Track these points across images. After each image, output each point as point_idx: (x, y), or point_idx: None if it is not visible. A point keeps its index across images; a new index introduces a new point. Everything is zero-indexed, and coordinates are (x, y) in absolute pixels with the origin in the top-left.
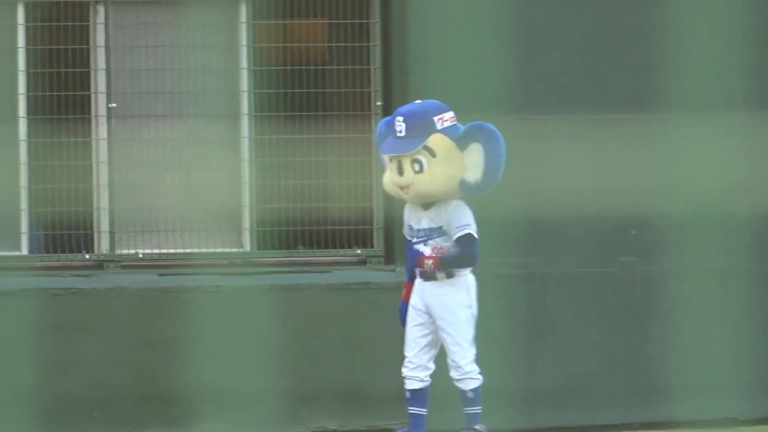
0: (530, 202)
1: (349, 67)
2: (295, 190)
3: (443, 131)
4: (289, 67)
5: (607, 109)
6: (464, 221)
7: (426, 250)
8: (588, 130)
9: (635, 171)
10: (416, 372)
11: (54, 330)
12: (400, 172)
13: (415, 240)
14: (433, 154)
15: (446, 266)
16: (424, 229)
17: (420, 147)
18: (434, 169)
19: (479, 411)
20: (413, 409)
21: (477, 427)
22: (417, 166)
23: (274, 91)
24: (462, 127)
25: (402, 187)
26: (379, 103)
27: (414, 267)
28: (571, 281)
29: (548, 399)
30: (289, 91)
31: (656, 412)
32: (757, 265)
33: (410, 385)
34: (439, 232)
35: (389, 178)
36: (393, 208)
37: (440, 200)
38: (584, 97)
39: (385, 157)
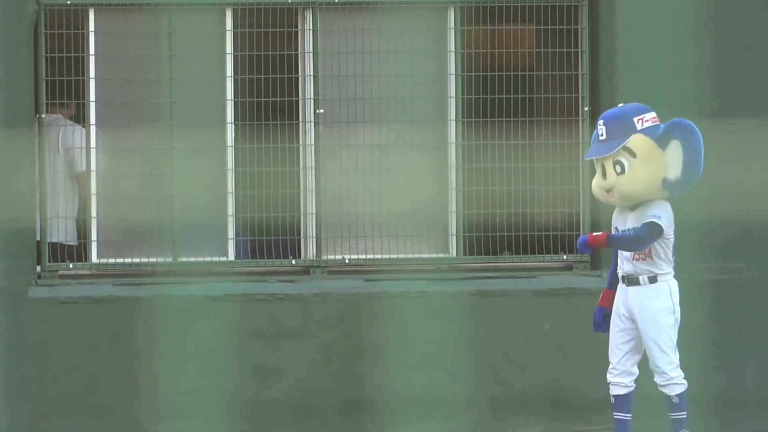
0: (737, 206)
1: (557, 72)
2: (502, 195)
3: (644, 131)
4: (496, 73)
5: None
6: (656, 212)
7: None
8: None
9: None
10: (621, 378)
11: (260, 336)
12: (604, 175)
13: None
14: (633, 154)
15: (611, 242)
16: (630, 230)
17: (619, 148)
18: (635, 169)
19: (684, 416)
20: (618, 415)
21: None
22: (618, 168)
23: (481, 96)
24: (663, 126)
25: (607, 191)
26: (586, 109)
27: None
28: None
29: (754, 405)
30: (497, 96)
31: None
32: None
33: (615, 390)
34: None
35: (596, 183)
36: (599, 213)
37: (646, 200)
38: None
39: (596, 163)
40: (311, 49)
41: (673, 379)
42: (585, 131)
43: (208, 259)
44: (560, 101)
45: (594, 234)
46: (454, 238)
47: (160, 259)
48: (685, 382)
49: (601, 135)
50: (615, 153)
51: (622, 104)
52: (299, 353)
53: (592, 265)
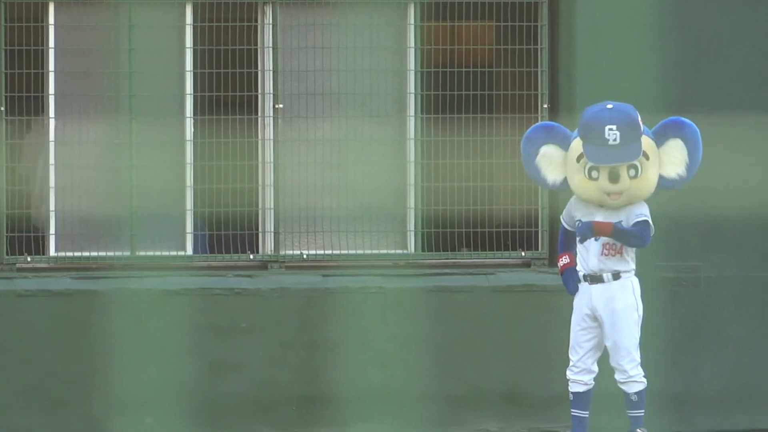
0: (696, 203)
1: (516, 69)
2: (460, 191)
3: (644, 132)
4: (455, 69)
5: None
6: (643, 212)
7: (596, 246)
8: (755, 132)
9: None
10: (581, 375)
11: (217, 330)
12: (613, 179)
13: (580, 224)
14: (647, 157)
15: (615, 233)
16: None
17: (642, 152)
18: (648, 172)
19: (642, 414)
20: (576, 412)
21: (640, 430)
22: (633, 172)
23: (440, 92)
24: (656, 126)
25: (612, 194)
26: (545, 106)
27: (574, 240)
28: (737, 285)
29: (711, 403)
30: (456, 92)
31: None
32: None
33: (574, 388)
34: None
35: (594, 187)
36: (558, 209)
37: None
38: (751, 100)
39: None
40: (271, 44)
41: (633, 377)
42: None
43: (166, 253)
44: (519, 98)
45: (600, 222)
46: (413, 234)
47: (118, 253)
48: (644, 380)
49: (614, 140)
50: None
51: (610, 105)
52: (256, 348)
53: (551, 262)
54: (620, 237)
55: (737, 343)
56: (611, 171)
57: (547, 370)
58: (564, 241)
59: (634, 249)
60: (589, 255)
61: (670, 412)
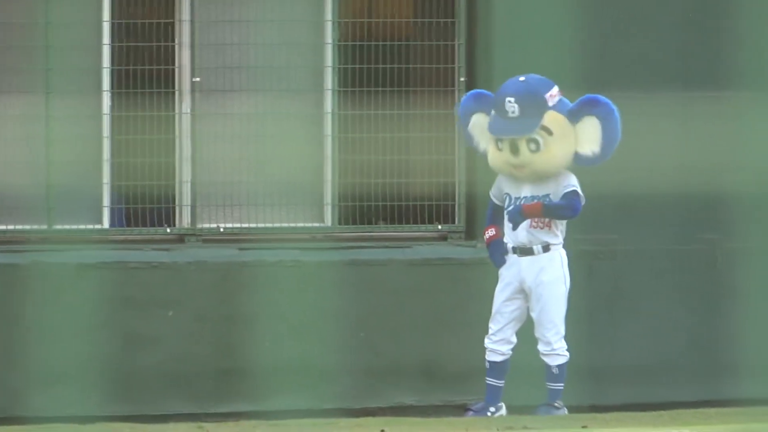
0: (614, 178)
1: (434, 42)
2: (377, 165)
3: (554, 107)
4: (373, 43)
5: (691, 86)
6: (571, 182)
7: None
8: (672, 107)
9: (720, 148)
10: (499, 345)
11: (133, 303)
12: (514, 152)
13: (512, 209)
14: (549, 132)
15: (546, 212)
16: (526, 197)
17: (538, 128)
18: (552, 148)
19: (561, 388)
20: (491, 381)
21: (556, 404)
22: (533, 146)
23: (358, 66)
24: (567, 101)
25: (516, 167)
26: (462, 79)
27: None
28: (653, 258)
29: (627, 376)
30: (373, 66)
31: (736, 389)
32: None
33: (492, 357)
34: (543, 200)
35: (500, 158)
36: (475, 183)
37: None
38: (669, 75)
39: (489, 136)
40: (188, 18)
41: (556, 350)
42: (461, 101)
43: (83, 226)
44: (436, 71)
45: (528, 204)
46: (329, 207)
47: (35, 227)
48: (567, 354)
49: (512, 112)
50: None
51: (522, 78)
52: (173, 321)
53: (467, 235)
54: (552, 213)
55: (653, 317)
56: (512, 143)
57: (463, 344)
58: (491, 215)
59: (563, 221)
60: (518, 229)
61: (587, 384)
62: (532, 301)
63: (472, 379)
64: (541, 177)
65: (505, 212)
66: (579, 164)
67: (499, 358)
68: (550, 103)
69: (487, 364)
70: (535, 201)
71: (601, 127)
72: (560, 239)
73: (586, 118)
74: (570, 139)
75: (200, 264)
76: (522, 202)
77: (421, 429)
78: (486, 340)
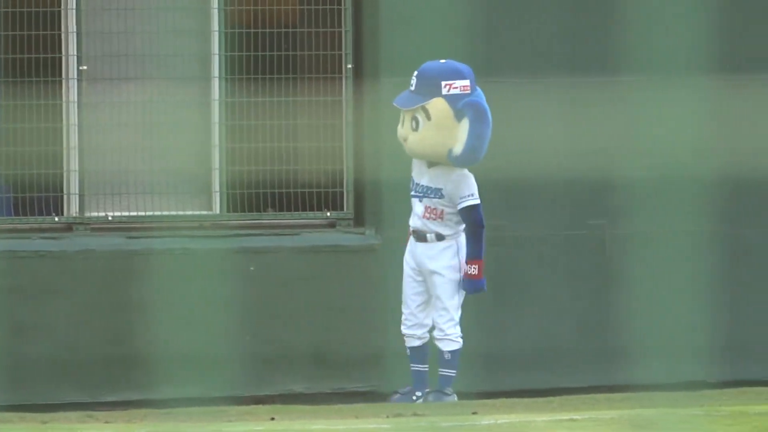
0: (501, 164)
1: (321, 29)
2: (265, 152)
3: (447, 97)
4: (260, 30)
5: (578, 71)
6: (468, 191)
7: (420, 207)
8: (559, 92)
9: (605, 133)
10: (414, 330)
11: (21, 293)
12: (402, 124)
13: (413, 193)
14: (428, 116)
15: (478, 255)
16: (423, 186)
17: (418, 105)
18: (425, 132)
19: (453, 374)
20: (415, 366)
21: (447, 390)
22: (414, 124)
23: (245, 53)
24: (470, 99)
25: (401, 139)
26: (349, 66)
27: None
28: (541, 244)
29: (517, 362)
30: (260, 53)
31: (625, 374)
32: (724, 227)
33: (410, 342)
34: (435, 192)
35: (399, 128)
36: (363, 171)
37: (443, 163)
38: (556, 60)
39: None
40: (74, 6)
41: (448, 336)
42: (348, 88)
43: None
44: (324, 58)
45: (471, 274)
46: (218, 195)
47: None
48: (460, 340)
49: (411, 86)
50: (414, 110)
51: (444, 60)
52: (62, 310)
53: (356, 222)
54: (479, 249)
55: (542, 302)
56: (403, 116)
57: (353, 331)
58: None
59: (457, 214)
60: (414, 214)
61: (477, 371)
62: (428, 286)
63: (362, 366)
64: (417, 156)
65: (411, 196)
66: (450, 161)
67: (417, 343)
68: (444, 91)
69: (407, 351)
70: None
71: (468, 130)
72: (455, 230)
73: (463, 119)
74: (447, 133)
75: (89, 253)
76: (416, 193)
77: (310, 416)
78: (401, 327)
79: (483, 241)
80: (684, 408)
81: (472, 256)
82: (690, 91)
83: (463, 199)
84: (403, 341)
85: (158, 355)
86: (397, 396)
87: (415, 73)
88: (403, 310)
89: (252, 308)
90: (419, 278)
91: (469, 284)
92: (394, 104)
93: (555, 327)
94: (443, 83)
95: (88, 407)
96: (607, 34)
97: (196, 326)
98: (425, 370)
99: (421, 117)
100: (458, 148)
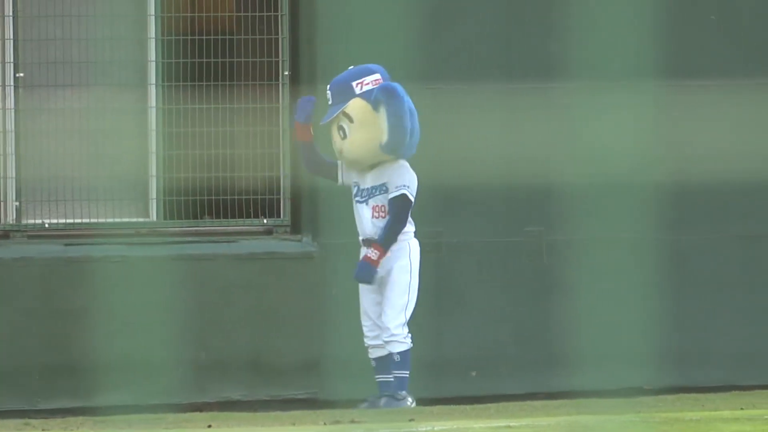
0: (438, 171)
1: (258, 36)
2: (203, 159)
3: (361, 95)
4: (197, 37)
5: (514, 78)
6: (402, 182)
7: (367, 210)
8: (496, 99)
9: (543, 140)
10: (377, 340)
11: None
12: (334, 138)
13: (358, 199)
14: (351, 119)
15: (386, 246)
16: (368, 189)
17: (337, 113)
18: (353, 135)
19: (406, 375)
20: (380, 377)
21: (399, 395)
22: (342, 133)
23: (181, 60)
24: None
25: (338, 153)
26: (286, 73)
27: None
28: (479, 251)
29: (455, 368)
30: (197, 60)
31: (563, 381)
32: (664, 234)
33: (375, 353)
34: (380, 189)
35: (333, 145)
36: (300, 178)
37: (382, 160)
38: (492, 68)
39: None
40: (11, 13)
41: (395, 337)
42: (285, 95)
43: None
44: (261, 65)
45: (369, 256)
46: (155, 202)
47: None
48: (408, 341)
49: (329, 100)
50: (336, 118)
51: (352, 66)
52: None
53: (293, 229)
54: (390, 240)
55: (479, 309)
56: (333, 130)
57: (290, 338)
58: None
59: (408, 211)
60: (362, 220)
61: (414, 377)
62: (380, 287)
63: (300, 373)
64: (357, 164)
65: (354, 201)
66: (386, 154)
67: (382, 353)
68: (357, 90)
69: (373, 363)
70: (373, 243)
71: (386, 113)
72: (407, 229)
73: (380, 106)
74: (372, 128)
75: (26, 260)
76: (362, 198)
77: (248, 423)
78: (365, 340)
79: (396, 235)
80: (621, 414)
81: (380, 242)
82: (629, 97)
83: (398, 188)
84: (367, 353)
85: (96, 362)
86: (365, 404)
87: (328, 87)
88: (364, 323)
89: (190, 315)
90: (378, 288)
91: (362, 267)
92: (321, 124)
93: (493, 334)
94: (354, 83)
95: (26, 415)
96: (546, 41)
97: (133, 333)
98: (391, 381)
99: (345, 123)
100: (384, 136)
